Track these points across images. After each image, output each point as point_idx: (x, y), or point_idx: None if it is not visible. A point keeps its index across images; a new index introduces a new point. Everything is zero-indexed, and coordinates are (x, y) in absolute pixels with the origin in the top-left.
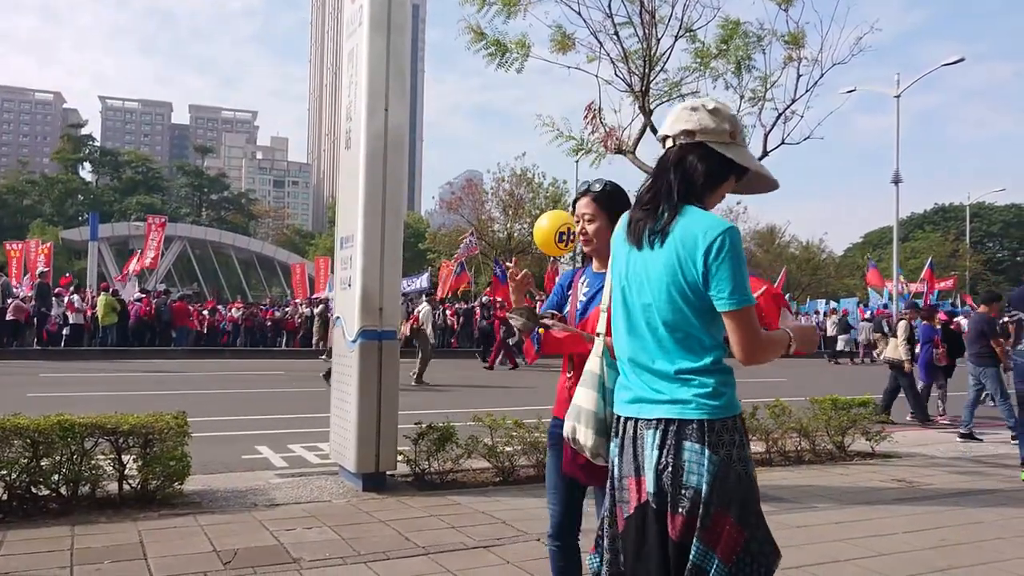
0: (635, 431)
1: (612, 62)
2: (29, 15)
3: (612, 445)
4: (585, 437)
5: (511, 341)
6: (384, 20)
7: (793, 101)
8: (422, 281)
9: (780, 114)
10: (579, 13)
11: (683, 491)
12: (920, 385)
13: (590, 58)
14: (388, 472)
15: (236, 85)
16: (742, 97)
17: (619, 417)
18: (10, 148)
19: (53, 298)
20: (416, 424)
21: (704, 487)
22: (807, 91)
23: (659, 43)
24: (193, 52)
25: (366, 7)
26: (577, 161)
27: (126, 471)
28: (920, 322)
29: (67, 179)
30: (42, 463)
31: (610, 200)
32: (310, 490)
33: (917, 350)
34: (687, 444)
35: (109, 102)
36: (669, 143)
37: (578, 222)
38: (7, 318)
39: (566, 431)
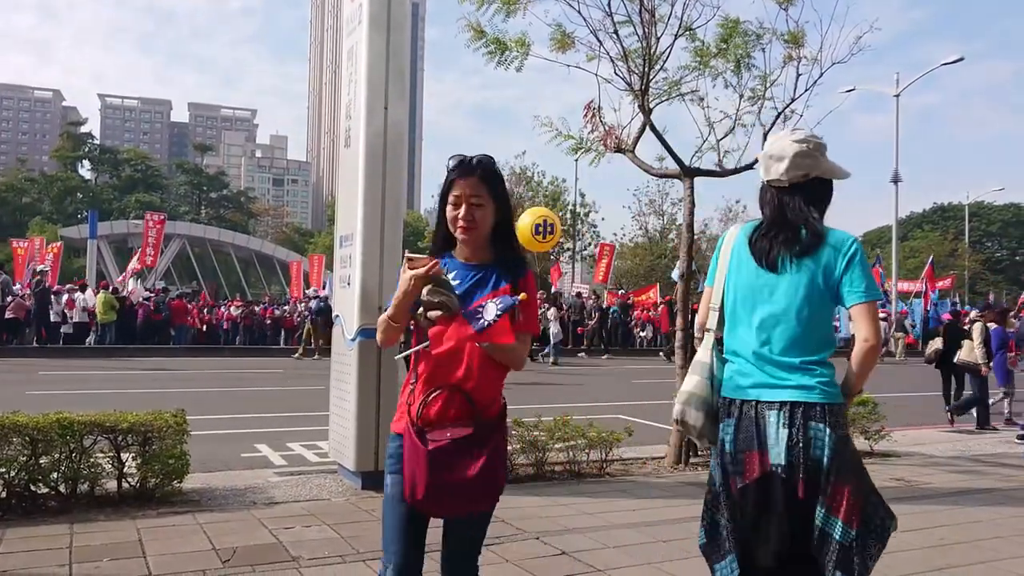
0: (756, 412)
1: (612, 61)
2: (27, 13)
3: (723, 425)
4: (696, 419)
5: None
6: (384, 18)
7: (793, 100)
8: None
9: (780, 113)
10: (579, 11)
11: (809, 462)
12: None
13: (590, 57)
14: None
15: (236, 84)
16: (741, 96)
17: (735, 400)
18: (9, 146)
19: (52, 296)
20: None
21: (826, 459)
22: (807, 90)
23: (659, 42)
24: (192, 51)
25: (365, 5)
26: (576, 160)
27: (125, 469)
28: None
29: (66, 177)
30: (41, 461)
31: (498, 181)
32: (309, 488)
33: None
34: (812, 423)
35: (108, 100)
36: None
37: (458, 205)
38: (6, 316)
39: (675, 414)
